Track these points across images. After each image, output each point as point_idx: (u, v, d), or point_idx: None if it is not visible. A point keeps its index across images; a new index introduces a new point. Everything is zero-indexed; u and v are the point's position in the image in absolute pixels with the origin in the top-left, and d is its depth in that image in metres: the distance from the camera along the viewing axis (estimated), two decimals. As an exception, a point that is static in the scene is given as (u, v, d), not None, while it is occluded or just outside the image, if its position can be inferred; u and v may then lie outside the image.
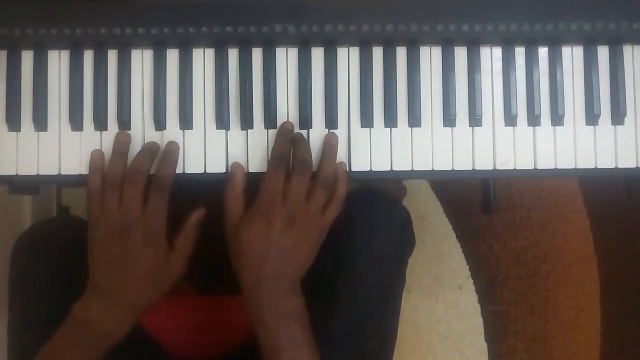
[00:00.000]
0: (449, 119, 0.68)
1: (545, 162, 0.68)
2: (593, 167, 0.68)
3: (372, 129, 0.68)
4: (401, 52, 0.68)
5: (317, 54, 0.68)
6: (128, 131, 0.67)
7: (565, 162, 0.68)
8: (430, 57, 0.69)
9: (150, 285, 0.64)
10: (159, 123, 0.67)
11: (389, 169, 0.68)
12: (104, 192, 0.64)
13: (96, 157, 0.66)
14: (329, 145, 0.67)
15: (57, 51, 0.68)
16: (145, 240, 0.63)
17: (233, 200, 0.66)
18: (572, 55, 0.69)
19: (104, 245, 0.63)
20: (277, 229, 0.63)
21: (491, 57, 0.69)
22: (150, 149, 0.66)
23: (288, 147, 0.66)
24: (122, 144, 0.67)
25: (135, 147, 0.67)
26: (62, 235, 0.76)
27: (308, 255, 0.65)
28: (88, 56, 0.68)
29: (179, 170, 0.67)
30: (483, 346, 1.28)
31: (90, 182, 0.65)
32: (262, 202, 0.64)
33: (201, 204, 0.68)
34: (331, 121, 0.67)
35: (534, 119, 0.68)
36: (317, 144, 0.67)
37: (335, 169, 0.67)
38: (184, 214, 0.67)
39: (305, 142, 0.67)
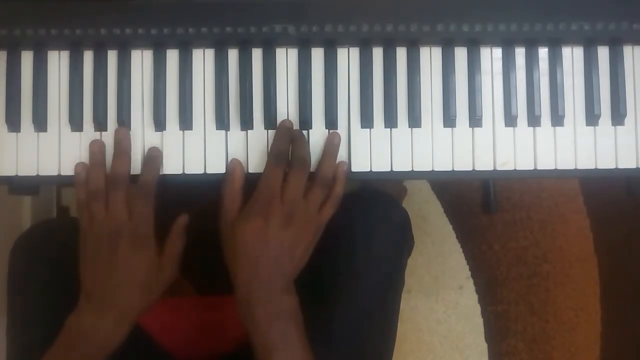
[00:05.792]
0: (449, 120, 0.68)
1: (546, 163, 0.68)
2: (593, 167, 0.68)
3: (372, 129, 0.68)
4: (401, 53, 0.68)
5: (317, 55, 0.68)
6: (102, 140, 0.67)
7: (566, 162, 0.68)
8: (430, 57, 0.68)
9: (142, 291, 0.64)
10: (159, 124, 0.67)
11: (389, 169, 0.67)
12: (89, 203, 0.64)
13: (79, 171, 0.66)
14: (331, 144, 0.67)
15: (57, 51, 0.68)
16: (134, 245, 0.63)
17: (231, 196, 0.65)
18: (572, 56, 0.69)
19: (94, 254, 0.63)
20: (274, 226, 0.62)
21: (491, 57, 0.69)
22: (124, 152, 0.66)
23: (287, 145, 0.66)
24: (96, 154, 0.66)
25: (135, 147, 0.67)
26: (61, 236, 0.76)
27: (303, 254, 0.64)
28: (88, 56, 0.68)
29: (178, 171, 0.67)
30: (483, 346, 1.28)
31: (77, 194, 0.65)
32: (260, 198, 0.63)
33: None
34: (331, 122, 0.67)
35: (534, 120, 0.68)
36: (317, 145, 0.67)
37: (336, 168, 0.66)
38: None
39: (305, 140, 0.66)
